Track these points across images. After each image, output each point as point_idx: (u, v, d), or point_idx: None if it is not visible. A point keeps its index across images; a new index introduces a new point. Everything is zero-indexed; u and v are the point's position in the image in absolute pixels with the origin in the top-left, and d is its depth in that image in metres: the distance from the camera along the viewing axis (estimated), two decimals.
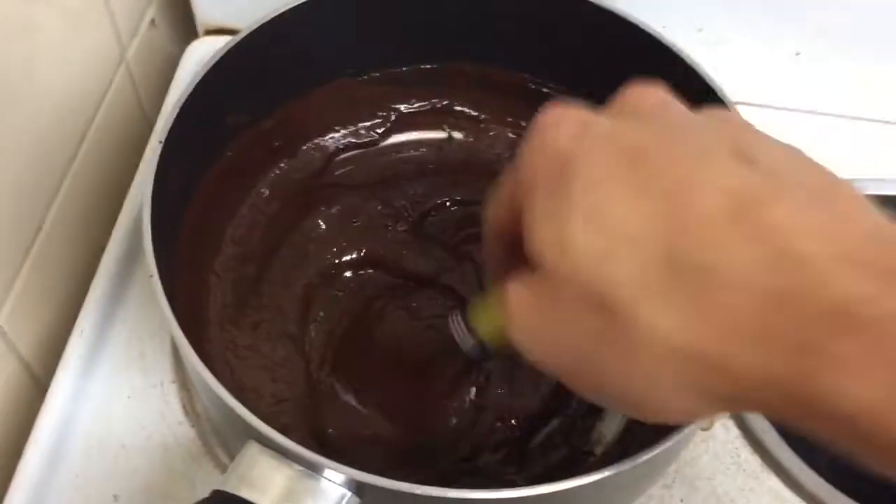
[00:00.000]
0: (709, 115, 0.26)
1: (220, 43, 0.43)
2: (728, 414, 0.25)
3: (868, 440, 0.20)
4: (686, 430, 0.33)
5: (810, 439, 0.22)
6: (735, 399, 0.22)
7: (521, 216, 0.26)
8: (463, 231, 0.49)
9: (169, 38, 0.63)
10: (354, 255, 0.48)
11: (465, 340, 0.33)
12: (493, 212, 0.30)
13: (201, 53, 0.60)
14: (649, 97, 0.27)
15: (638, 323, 0.22)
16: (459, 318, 0.33)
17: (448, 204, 0.50)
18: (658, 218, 0.22)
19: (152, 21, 0.60)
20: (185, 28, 0.63)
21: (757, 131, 0.26)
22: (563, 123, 0.25)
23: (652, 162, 0.23)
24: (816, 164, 0.24)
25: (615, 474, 0.32)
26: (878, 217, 0.22)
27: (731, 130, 0.25)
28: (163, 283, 0.34)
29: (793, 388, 0.21)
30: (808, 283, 0.20)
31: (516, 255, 0.27)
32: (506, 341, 0.27)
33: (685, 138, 0.24)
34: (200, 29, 0.61)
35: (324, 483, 0.31)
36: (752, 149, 0.23)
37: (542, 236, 0.24)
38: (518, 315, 0.26)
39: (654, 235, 0.22)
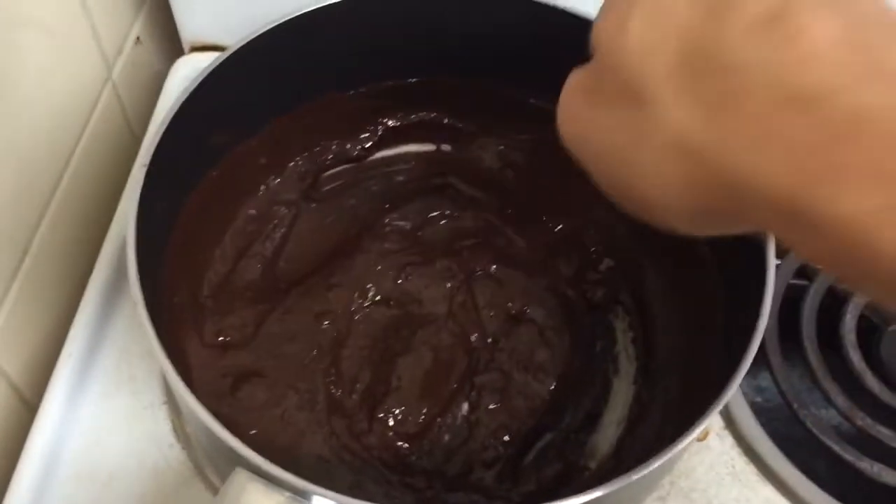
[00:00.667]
0: None
1: (206, 60, 0.42)
2: (722, 232, 0.26)
3: (853, 252, 0.20)
4: (680, 446, 0.33)
5: None
6: (728, 201, 0.23)
7: None
8: (458, 243, 0.49)
9: (155, 55, 0.63)
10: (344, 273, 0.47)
11: None
12: None
13: (188, 70, 0.59)
14: None
15: (657, 110, 0.24)
16: None
17: (438, 217, 0.50)
18: (704, 18, 0.23)
19: (137, 39, 0.60)
20: (171, 45, 0.63)
21: None
22: None
23: None
24: None
25: (611, 492, 0.31)
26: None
27: None
28: (148, 309, 0.34)
29: (785, 194, 0.21)
30: (828, 90, 0.20)
31: None
32: None
33: None
34: (186, 46, 0.61)
35: None
36: None
37: (604, 24, 0.26)
38: (568, 94, 0.28)
39: (696, 35, 0.23)
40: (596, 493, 0.31)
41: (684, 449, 0.34)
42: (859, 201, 0.20)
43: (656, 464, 0.32)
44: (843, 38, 0.21)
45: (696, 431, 0.33)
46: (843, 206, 0.20)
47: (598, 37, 0.26)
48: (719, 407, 0.33)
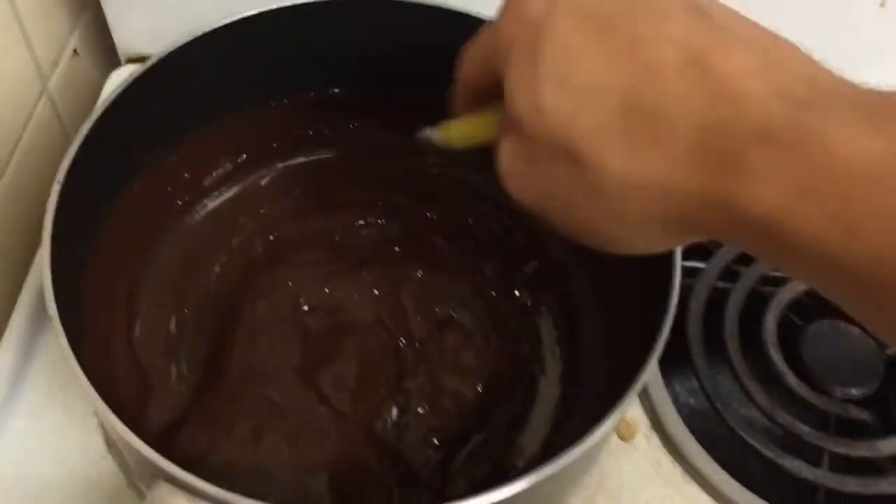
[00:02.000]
0: None
1: (140, 71, 0.42)
2: (686, 243, 0.29)
3: (781, 243, 0.22)
4: (596, 436, 0.33)
5: None
6: (686, 223, 0.25)
7: (493, 72, 0.30)
8: (384, 250, 0.50)
9: (92, 67, 0.63)
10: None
11: (430, 145, 0.37)
12: (468, 66, 0.33)
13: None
14: None
15: (599, 165, 0.25)
16: (427, 133, 0.37)
17: (364, 226, 0.51)
18: (617, 72, 0.25)
19: (74, 51, 0.60)
20: (109, 57, 0.63)
21: None
22: None
23: (614, 23, 0.26)
24: (762, 26, 0.26)
25: (533, 485, 0.32)
26: (817, 66, 0.24)
27: None
28: (66, 323, 0.34)
29: (724, 203, 0.23)
30: (740, 112, 0.23)
31: (482, 97, 0.33)
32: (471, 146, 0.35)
33: (647, 1, 0.26)
34: (122, 58, 0.61)
35: None
36: (707, 6, 0.26)
37: (519, 100, 0.27)
38: (506, 164, 0.30)
39: (613, 87, 0.25)
40: (515, 488, 0.32)
41: (603, 440, 0.35)
42: (775, 195, 0.22)
43: (576, 454, 0.33)
44: (754, 71, 0.23)
45: (611, 421, 0.34)
46: (763, 203, 0.22)
47: (516, 111, 0.28)
48: (630, 397, 0.34)
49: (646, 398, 0.49)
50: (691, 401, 0.50)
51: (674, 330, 0.36)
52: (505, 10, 0.29)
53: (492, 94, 0.31)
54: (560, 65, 0.26)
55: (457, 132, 0.36)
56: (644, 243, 0.28)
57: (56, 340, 0.46)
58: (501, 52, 0.29)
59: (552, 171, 0.27)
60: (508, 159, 0.29)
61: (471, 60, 0.33)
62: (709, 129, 0.23)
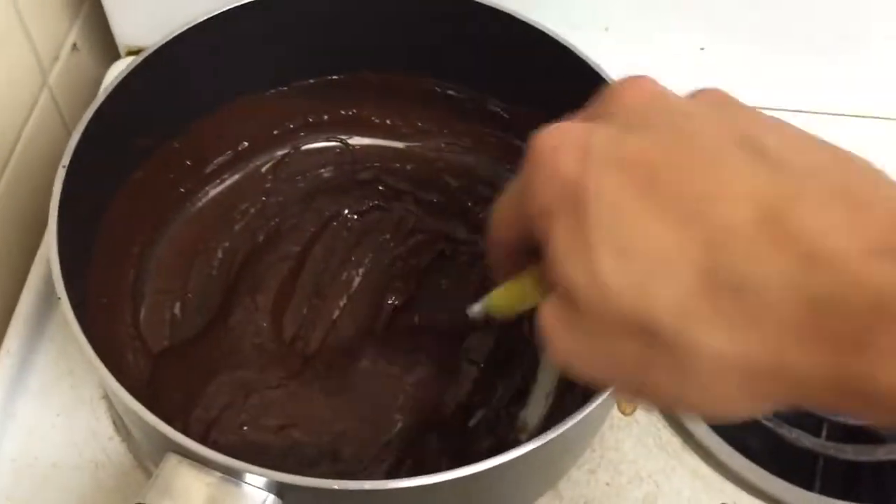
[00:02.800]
0: (703, 100, 0.26)
1: None
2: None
3: None
4: (594, 405, 0.34)
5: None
6: (796, 398, 0.23)
7: (528, 232, 0.26)
8: (388, 234, 0.51)
9: (92, 60, 0.64)
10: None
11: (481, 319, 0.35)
12: (499, 230, 0.30)
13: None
14: (640, 92, 0.26)
15: (688, 344, 0.22)
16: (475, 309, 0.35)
17: (371, 209, 0.51)
18: (687, 239, 0.22)
19: (74, 45, 0.61)
20: (109, 50, 0.63)
21: (751, 109, 0.26)
22: (563, 146, 0.25)
23: (666, 177, 0.23)
24: (819, 140, 0.24)
25: (535, 451, 0.33)
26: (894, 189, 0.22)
27: (730, 117, 0.25)
28: (75, 304, 0.35)
29: (846, 383, 0.21)
30: (844, 282, 0.21)
31: (519, 259, 0.29)
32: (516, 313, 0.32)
33: (692, 141, 0.24)
34: (122, 50, 0.62)
35: (245, 488, 0.32)
36: (757, 137, 0.23)
37: (570, 271, 0.24)
38: (557, 338, 0.26)
39: (687, 258, 0.22)
40: (517, 453, 0.33)
41: (602, 409, 0.35)
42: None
43: (576, 419, 0.34)
44: (839, 224, 0.21)
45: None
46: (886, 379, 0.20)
47: (570, 285, 0.24)
48: None
49: None
50: None
51: None
52: (531, 167, 0.26)
53: (530, 252, 0.28)
54: (615, 232, 0.23)
55: (501, 301, 0.33)
56: (737, 413, 0.24)
57: (64, 325, 0.48)
58: (537, 215, 0.25)
59: (618, 347, 0.24)
60: (557, 328, 0.26)
61: (502, 223, 0.30)
62: (813, 304, 0.21)
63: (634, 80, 0.27)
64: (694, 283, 0.22)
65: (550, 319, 0.26)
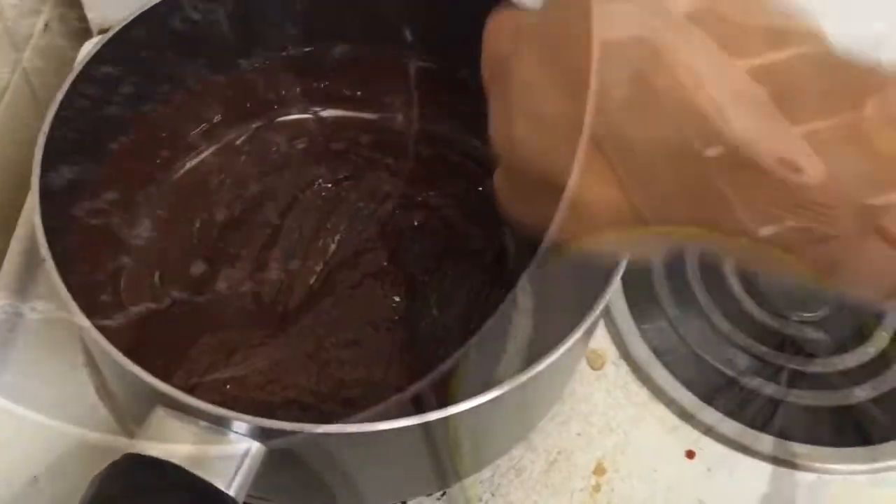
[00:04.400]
0: None
1: None
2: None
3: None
4: (566, 346, 0.35)
5: None
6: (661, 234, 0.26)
7: None
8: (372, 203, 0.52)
9: (65, 40, 0.64)
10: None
11: None
12: None
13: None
14: None
15: (580, 199, 0.26)
16: None
17: (339, 178, 0.53)
18: (580, 108, 0.25)
19: (46, 25, 0.61)
20: (81, 29, 0.64)
21: None
22: (502, 29, 0.29)
23: (568, 51, 0.26)
24: None
25: (506, 393, 0.34)
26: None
27: None
28: (60, 268, 0.35)
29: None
30: (707, 133, 0.23)
31: None
32: None
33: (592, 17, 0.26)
34: (95, 29, 0.62)
35: (231, 435, 0.33)
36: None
37: (496, 135, 0.29)
38: (500, 195, 0.31)
39: (580, 124, 0.25)
40: (489, 396, 0.34)
41: (570, 355, 0.37)
42: None
43: (547, 362, 0.35)
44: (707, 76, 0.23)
45: (578, 333, 0.35)
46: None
47: (497, 147, 0.29)
48: (594, 315, 0.36)
49: (614, 330, 0.51)
50: (657, 330, 0.52)
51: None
52: (483, 48, 0.30)
53: None
54: (526, 100, 0.27)
55: None
56: (604, 247, 0.29)
57: (47, 293, 0.49)
58: (485, 89, 0.30)
59: (536, 196, 0.28)
60: (499, 186, 0.31)
61: None
62: (675, 154, 0.24)
63: None
64: (584, 146, 0.25)
65: (497, 180, 0.31)
